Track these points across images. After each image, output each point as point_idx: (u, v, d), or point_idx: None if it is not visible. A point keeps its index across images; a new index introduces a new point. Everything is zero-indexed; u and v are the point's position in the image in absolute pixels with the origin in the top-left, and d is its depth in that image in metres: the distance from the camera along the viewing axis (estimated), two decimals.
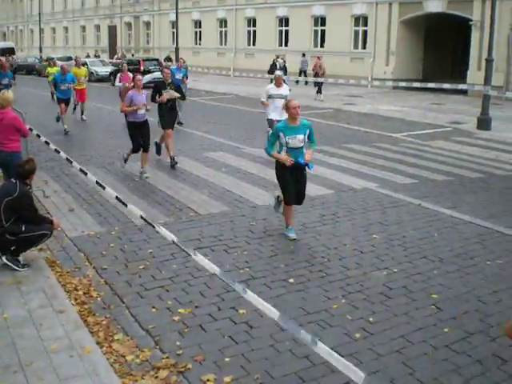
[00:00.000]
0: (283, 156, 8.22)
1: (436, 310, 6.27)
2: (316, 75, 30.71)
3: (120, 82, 19.61)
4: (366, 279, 7.08)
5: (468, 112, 23.86)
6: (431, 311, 6.23)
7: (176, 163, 12.89)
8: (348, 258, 7.73)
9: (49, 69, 27.49)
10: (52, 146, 11.35)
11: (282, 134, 8.19)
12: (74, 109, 21.58)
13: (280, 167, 8.36)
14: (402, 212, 9.92)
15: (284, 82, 14.55)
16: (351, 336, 5.68)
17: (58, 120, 19.16)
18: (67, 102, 18.43)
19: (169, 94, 12.89)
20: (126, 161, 12.73)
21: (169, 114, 13.19)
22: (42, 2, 72.34)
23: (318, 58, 37.61)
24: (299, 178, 8.45)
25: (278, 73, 14.50)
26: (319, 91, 29.91)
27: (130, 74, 19.37)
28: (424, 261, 7.65)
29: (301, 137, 8.27)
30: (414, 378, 5.00)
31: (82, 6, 71.36)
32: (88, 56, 53.08)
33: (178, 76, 19.60)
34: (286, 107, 8.34)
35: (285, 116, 13.35)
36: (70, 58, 47.21)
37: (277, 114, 13.42)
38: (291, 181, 8.36)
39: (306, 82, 36.27)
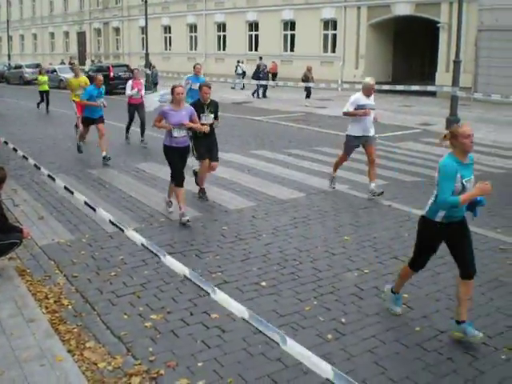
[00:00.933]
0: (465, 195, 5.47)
1: (407, 309, 6.33)
2: (306, 80, 29.93)
3: (132, 89, 16.97)
4: (337, 280, 7.12)
5: (437, 113, 24.15)
6: (402, 310, 6.27)
7: (204, 197, 10.91)
8: (319, 260, 7.76)
9: (40, 77, 26.47)
10: (20, 153, 11.24)
11: (459, 176, 5.50)
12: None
13: (433, 226, 5.74)
14: (372, 213, 10.00)
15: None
16: (323, 337, 5.71)
17: (80, 150, 15.23)
18: (97, 122, 14.50)
19: (210, 118, 10.36)
20: (171, 203, 10.14)
21: (206, 142, 10.53)
22: (10, 10, 71.74)
23: (274, 62, 39.40)
24: (465, 238, 5.79)
25: (370, 81, 11.15)
26: (308, 95, 29.81)
27: (142, 81, 18.11)
28: (395, 261, 7.72)
29: (473, 179, 5.68)
30: (386, 377, 5.04)
31: (50, 13, 70.96)
32: (63, 63, 52.71)
33: (195, 87, 13.99)
34: (454, 134, 5.60)
35: (372, 132, 11.20)
36: (38, 65, 46.71)
37: (363, 129, 11.11)
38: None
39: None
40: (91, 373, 5.08)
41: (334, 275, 7.28)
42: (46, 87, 26.19)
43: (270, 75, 38.59)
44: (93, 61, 54.52)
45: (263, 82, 32.96)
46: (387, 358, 5.33)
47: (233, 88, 40.04)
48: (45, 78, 26.52)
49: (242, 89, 39.40)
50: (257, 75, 34.19)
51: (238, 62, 41.28)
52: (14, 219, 9.28)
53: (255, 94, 34.43)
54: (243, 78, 38.40)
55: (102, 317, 6.16)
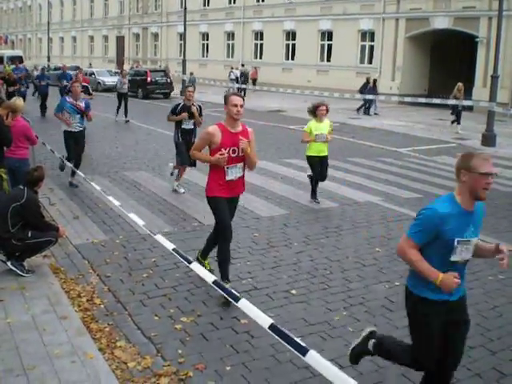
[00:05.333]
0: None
1: None
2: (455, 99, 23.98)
3: None
4: (367, 292, 7.11)
5: (473, 128, 23.94)
6: None
7: None
8: (350, 271, 7.77)
9: (313, 124, 11.21)
10: (57, 154, 11.44)
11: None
12: None
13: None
14: (405, 226, 9.89)
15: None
16: None
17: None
18: None
19: None
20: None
21: None
22: (51, 12, 72.88)
23: (255, 68, 40.68)
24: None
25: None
26: (458, 121, 23.93)
27: None
28: None
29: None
30: None
31: (90, 17, 71.97)
32: (132, 67, 52.15)
33: None
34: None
35: None
36: (77, 68, 47.28)
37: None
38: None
39: (244, 89, 39.90)
40: (121, 371, 5.15)
41: (364, 286, 7.27)
42: (325, 152, 11.34)
43: (251, 81, 41.60)
44: (160, 66, 54.53)
45: (370, 97, 29.70)
46: (415, 371, 5.29)
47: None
48: (323, 126, 11.21)
49: None
50: (364, 90, 30.59)
51: (232, 68, 43.12)
52: (50, 218, 9.44)
53: (361, 110, 30.46)
54: (236, 82, 40.21)
55: (134, 317, 6.25)
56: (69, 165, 11.23)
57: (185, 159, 11.44)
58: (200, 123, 11.70)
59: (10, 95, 21.61)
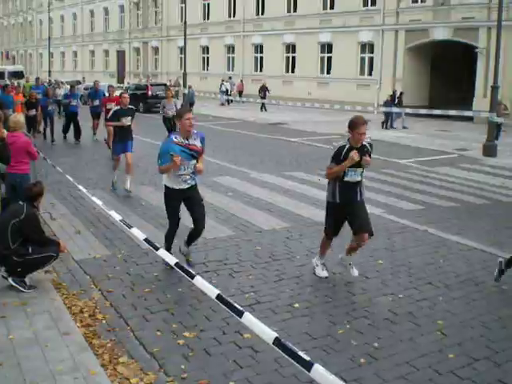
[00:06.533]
0: None
1: (441, 336, 6.26)
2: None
3: None
4: (371, 304, 7.07)
5: (474, 138, 23.94)
6: (436, 337, 6.21)
7: None
8: (353, 284, 7.73)
9: None
10: (59, 169, 11.42)
11: None
12: None
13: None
14: (407, 238, 9.92)
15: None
16: (356, 361, 5.66)
17: None
18: None
19: None
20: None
21: None
22: (52, 27, 73.24)
23: (241, 81, 44.54)
24: None
25: None
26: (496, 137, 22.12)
27: None
28: (429, 287, 7.65)
29: None
30: None
31: (91, 31, 72.27)
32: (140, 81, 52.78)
33: None
34: None
35: None
36: (78, 82, 47.36)
37: None
38: None
39: (232, 101, 43.60)
40: None
41: (367, 299, 7.23)
42: None
43: (237, 93, 44.59)
44: (170, 80, 54.41)
45: (396, 110, 29.02)
46: None
47: (222, 104, 43.58)
48: None
49: (222, 104, 43.06)
50: (389, 104, 29.51)
51: (223, 80, 44.83)
52: (51, 233, 9.42)
53: (385, 125, 29.14)
54: (226, 94, 43.53)
55: (136, 332, 6.21)
56: (166, 258, 6.46)
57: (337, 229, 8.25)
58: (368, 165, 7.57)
59: (29, 121, 18.93)
